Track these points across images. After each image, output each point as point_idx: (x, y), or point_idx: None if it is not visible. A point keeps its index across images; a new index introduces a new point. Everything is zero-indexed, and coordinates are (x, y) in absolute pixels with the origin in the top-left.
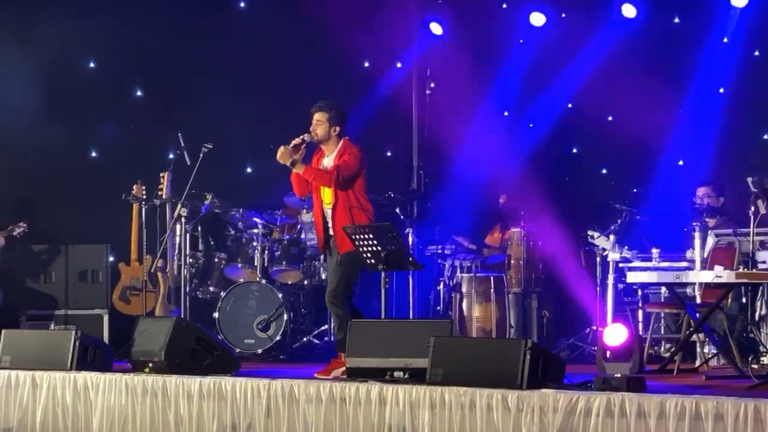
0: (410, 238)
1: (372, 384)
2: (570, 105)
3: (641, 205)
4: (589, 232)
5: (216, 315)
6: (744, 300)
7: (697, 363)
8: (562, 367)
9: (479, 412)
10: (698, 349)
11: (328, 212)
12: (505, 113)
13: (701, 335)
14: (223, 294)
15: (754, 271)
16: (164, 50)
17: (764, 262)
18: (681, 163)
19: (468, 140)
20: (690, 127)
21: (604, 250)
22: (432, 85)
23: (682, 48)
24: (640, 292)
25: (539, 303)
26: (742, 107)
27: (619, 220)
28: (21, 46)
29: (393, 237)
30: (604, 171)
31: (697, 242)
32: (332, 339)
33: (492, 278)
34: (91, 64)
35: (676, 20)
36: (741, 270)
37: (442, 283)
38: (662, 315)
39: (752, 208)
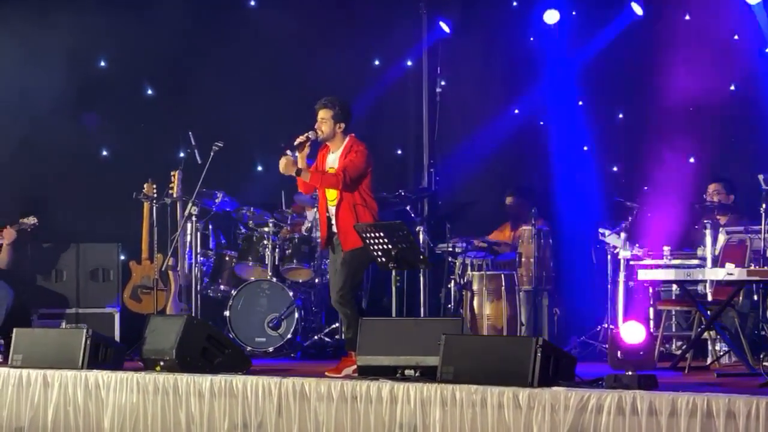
0: (421, 237)
1: (383, 382)
2: (580, 102)
3: (652, 202)
4: (600, 230)
5: (227, 313)
6: (755, 297)
7: (709, 360)
8: (573, 365)
9: (490, 410)
10: (710, 347)
11: (332, 210)
12: (516, 111)
13: (712, 333)
14: (234, 292)
15: (766, 268)
16: (175, 49)
17: None
18: (692, 160)
19: (478, 138)
20: (701, 124)
21: (615, 247)
22: (442, 83)
23: (692, 45)
24: (651, 290)
25: (550, 301)
26: (753, 104)
27: (630, 218)
28: (33, 45)
29: (404, 235)
30: (614, 168)
31: (708, 239)
32: (343, 337)
33: (503, 276)
34: (102, 63)
35: (687, 17)
36: (752, 267)
37: (452, 281)
38: (673, 313)
39: (763, 206)
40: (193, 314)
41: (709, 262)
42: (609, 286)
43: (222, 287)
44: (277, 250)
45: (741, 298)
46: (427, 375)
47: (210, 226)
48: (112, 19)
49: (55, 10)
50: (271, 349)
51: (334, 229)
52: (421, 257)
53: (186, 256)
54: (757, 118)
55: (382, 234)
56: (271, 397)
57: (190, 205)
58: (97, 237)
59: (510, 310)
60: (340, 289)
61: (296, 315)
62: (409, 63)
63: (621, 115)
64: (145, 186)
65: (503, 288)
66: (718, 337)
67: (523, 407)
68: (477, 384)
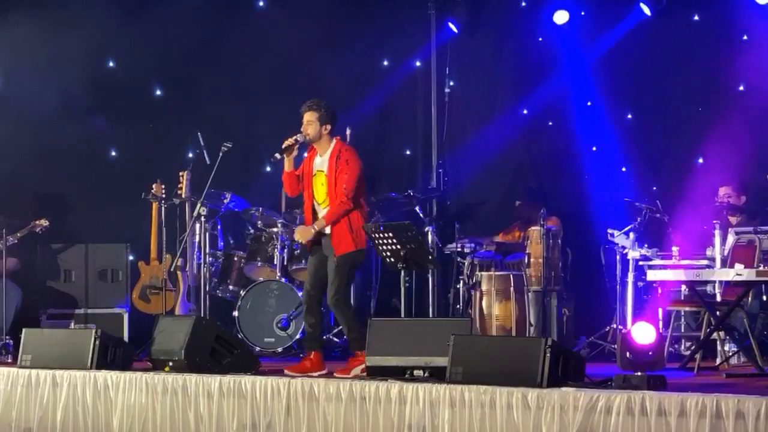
0: (429, 237)
1: (392, 383)
2: (589, 103)
3: (661, 203)
4: (609, 230)
5: (236, 314)
6: (765, 298)
7: (718, 361)
8: (582, 366)
9: (499, 410)
10: (719, 348)
11: (322, 211)
12: (524, 111)
13: (722, 333)
14: (242, 293)
15: None
16: (184, 49)
17: None
18: (701, 161)
19: (487, 139)
20: (710, 125)
21: (624, 248)
22: (451, 83)
23: (701, 45)
24: (660, 290)
25: (559, 301)
26: (763, 105)
27: (639, 218)
28: (42, 46)
29: (412, 236)
30: (623, 169)
31: (718, 240)
32: (346, 338)
33: (512, 276)
34: (111, 64)
35: (696, 17)
36: (761, 268)
37: (461, 282)
38: (682, 313)
39: None
40: (202, 314)
41: (718, 263)
42: (618, 286)
43: (231, 287)
44: (285, 250)
45: (750, 298)
46: (436, 375)
47: (219, 227)
48: (121, 19)
49: (65, 12)
50: (279, 350)
51: (327, 230)
52: (430, 258)
53: (195, 256)
54: (767, 119)
55: (390, 234)
56: (280, 398)
57: (198, 205)
58: (105, 237)
59: (519, 310)
60: (336, 291)
61: None
62: (418, 63)
63: (630, 116)
64: (153, 186)
65: (512, 288)
66: (728, 337)
67: (532, 408)
68: (486, 384)
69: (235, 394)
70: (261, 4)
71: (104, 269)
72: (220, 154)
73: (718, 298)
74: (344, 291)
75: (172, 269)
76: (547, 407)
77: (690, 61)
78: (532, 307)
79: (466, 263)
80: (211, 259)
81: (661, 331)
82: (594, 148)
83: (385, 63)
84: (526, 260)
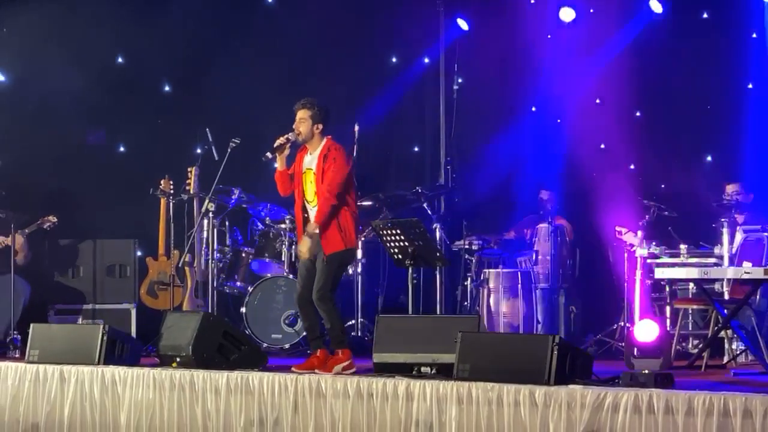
0: (437, 234)
1: (399, 379)
2: (598, 101)
3: (669, 200)
4: (617, 228)
5: (243, 310)
6: None
7: (725, 359)
8: (590, 363)
9: (506, 407)
10: (726, 346)
11: (312, 210)
12: (533, 108)
13: (729, 331)
14: (250, 289)
15: None
16: (192, 45)
17: None
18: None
19: (495, 136)
20: (718, 123)
21: (632, 245)
22: (459, 80)
23: (710, 43)
24: (668, 288)
25: (567, 299)
26: None
27: (647, 216)
28: (52, 42)
29: (420, 233)
30: (632, 167)
31: (726, 238)
32: (359, 334)
33: (519, 274)
34: (120, 60)
35: (705, 15)
36: None
37: (469, 279)
38: (690, 311)
39: None
40: (210, 310)
41: (726, 261)
42: (626, 284)
43: (238, 284)
44: (293, 246)
45: (758, 296)
46: (444, 372)
47: (227, 223)
48: (131, 16)
49: (75, 9)
50: (287, 346)
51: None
52: (438, 255)
53: (203, 252)
54: None
55: (398, 231)
56: (287, 394)
57: (206, 201)
58: (114, 233)
59: (526, 308)
60: (322, 287)
61: None
62: (427, 61)
63: (638, 114)
64: (162, 182)
65: (520, 286)
66: (735, 335)
67: (540, 405)
68: (493, 382)
69: (242, 390)
70: (270, 1)
71: (112, 265)
72: (229, 150)
73: (726, 296)
74: (330, 288)
75: (180, 265)
76: (554, 405)
77: (699, 58)
78: (540, 305)
79: (473, 260)
80: (218, 255)
81: (668, 328)
82: (602, 146)
83: (394, 60)
84: (534, 258)
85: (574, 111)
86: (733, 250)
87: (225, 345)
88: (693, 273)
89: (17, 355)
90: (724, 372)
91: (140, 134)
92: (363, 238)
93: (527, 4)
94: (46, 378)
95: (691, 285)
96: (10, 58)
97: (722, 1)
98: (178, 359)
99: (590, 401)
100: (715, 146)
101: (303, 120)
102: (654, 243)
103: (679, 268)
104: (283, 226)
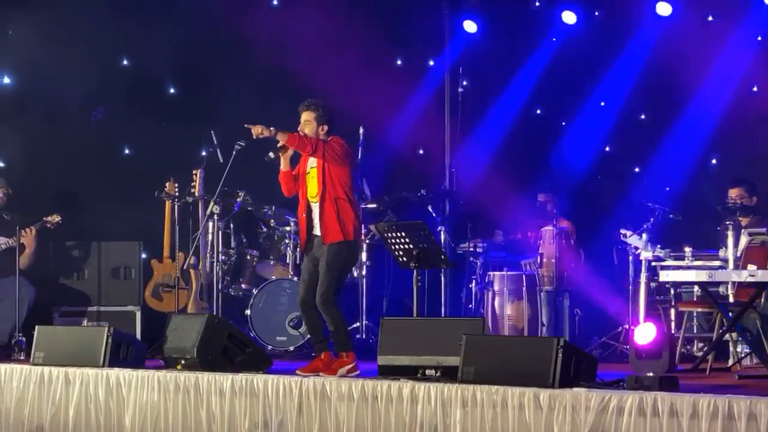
0: (442, 236)
1: (404, 382)
2: (603, 104)
3: (674, 203)
4: (622, 231)
5: (248, 312)
6: None
7: (730, 362)
8: (594, 366)
9: (511, 410)
10: (731, 349)
11: (315, 206)
12: (538, 111)
13: (734, 334)
14: (255, 291)
15: None
16: (197, 47)
17: None
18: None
19: (500, 138)
20: (723, 126)
21: (636, 248)
22: (464, 83)
23: (715, 46)
24: (672, 291)
25: (571, 301)
26: None
27: (651, 219)
28: (57, 44)
29: (425, 235)
30: (636, 169)
31: (731, 241)
32: (363, 336)
33: (524, 276)
34: (125, 62)
35: (710, 18)
36: None
37: (474, 281)
38: (695, 314)
39: None
40: (215, 313)
41: (731, 264)
42: (630, 287)
43: (243, 286)
44: (298, 249)
45: (763, 299)
46: (448, 375)
47: (231, 225)
48: (135, 18)
49: (80, 11)
50: (291, 348)
51: (315, 231)
52: (443, 257)
53: (207, 254)
54: None
55: (403, 233)
56: (292, 396)
57: (211, 203)
58: (118, 235)
59: (531, 310)
60: (324, 291)
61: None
62: (432, 63)
63: (643, 116)
64: (167, 185)
65: (524, 288)
66: (740, 338)
67: (544, 408)
68: (498, 384)
69: (247, 393)
70: (275, 2)
71: (117, 267)
72: (233, 152)
73: (731, 299)
74: (333, 291)
75: (184, 267)
76: (558, 407)
77: (703, 61)
78: (545, 307)
79: (478, 263)
80: (223, 257)
81: (673, 331)
82: (607, 149)
83: (399, 62)
84: (539, 260)
85: (578, 113)
86: (738, 253)
87: (230, 347)
88: (698, 276)
89: (22, 357)
90: (728, 375)
91: (145, 136)
92: (367, 241)
93: (532, 7)
94: (51, 380)
95: (696, 288)
96: (16, 61)
97: (727, 4)
98: (182, 361)
99: (595, 404)
100: (720, 149)
101: (308, 121)
102: (659, 245)
103: (684, 271)
104: (287, 228)
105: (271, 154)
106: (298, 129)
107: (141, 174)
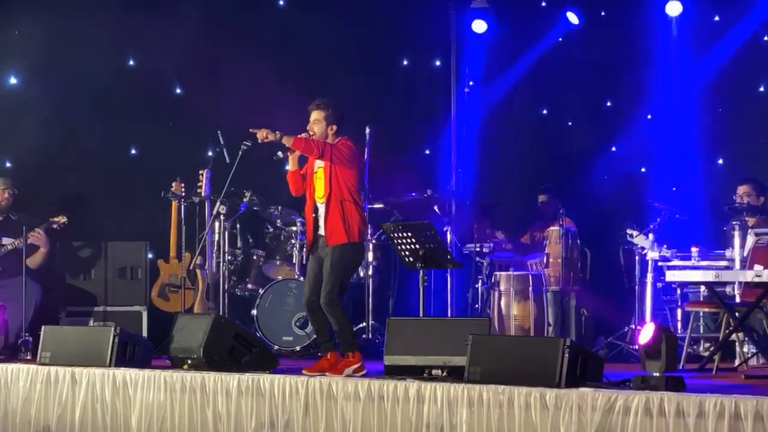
0: (448, 236)
1: (410, 382)
2: (609, 103)
3: (680, 203)
4: (628, 231)
5: (254, 312)
6: None
7: (737, 362)
8: (601, 366)
9: (517, 410)
10: (737, 349)
11: (321, 207)
12: (544, 111)
13: (740, 334)
14: (261, 291)
15: None
16: (204, 48)
17: None
18: (720, 161)
19: (506, 139)
20: (729, 125)
21: (642, 248)
22: (471, 83)
23: (721, 46)
24: (679, 291)
25: (578, 301)
26: None
27: (658, 219)
28: (63, 44)
29: (431, 235)
30: (643, 169)
31: (737, 241)
32: (370, 336)
33: (530, 276)
34: (131, 62)
35: (716, 18)
36: None
37: (480, 281)
38: (701, 314)
39: None
40: (221, 313)
41: (737, 264)
42: (637, 287)
43: (249, 286)
44: (304, 249)
45: None
46: (454, 375)
47: (238, 225)
48: (142, 18)
49: (86, 10)
50: (298, 348)
51: (320, 231)
52: (449, 257)
53: (214, 254)
54: None
55: (409, 234)
56: (298, 396)
57: (218, 204)
58: (125, 235)
59: (537, 310)
60: (329, 291)
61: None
62: (438, 63)
63: (649, 116)
64: (173, 184)
65: (530, 288)
66: (746, 338)
67: (550, 408)
68: (504, 384)
69: (253, 393)
70: (281, 2)
71: (123, 267)
72: (240, 152)
73: (737, 299)
74: (338, 291)
75: (191, 267)
76: (565, 407)
77: (710, 61)
78: (551, 308)
79: (484, 263)
80: (230, 257)
81: (679, 331)
82: (614, 149)
83: (405, 62)
84: (545, 260)
85: (585, 113)
86: (745, 253)
87: (236, 347)
88: (704, 276)
89: (29, 357)
90: (735, 375)
91: (151, 136)
92: (374, 241)
93: (538, 6)
94: (57, 380)
95: (702, 288)
96: (22, 61)
97: (733, 4)
98: (189, 361)
99: (601, 404)
100: (726, 149)
101: (317, 121)
102: (665, 246)
103: (691, 271)
104: (294, 228)
105: (280, 154)
106: (307, 128)
107: (147, 174)
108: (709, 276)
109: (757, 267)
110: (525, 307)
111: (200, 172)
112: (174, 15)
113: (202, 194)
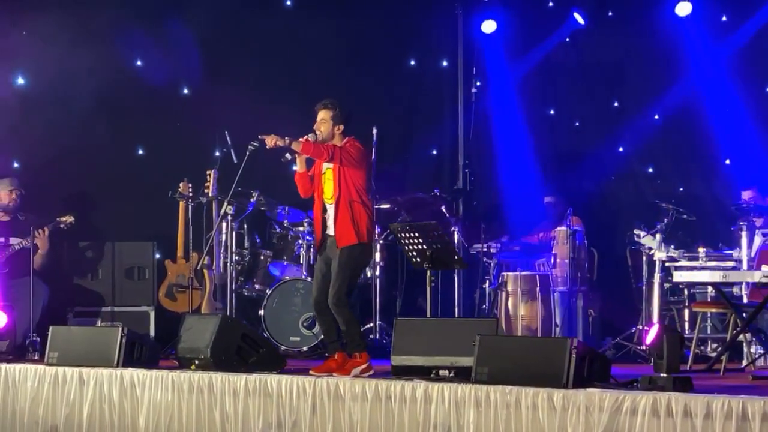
0: (456, 237)
1: (417, 382)
2: (616, 104)
3: (687, 204)
4: (636, 231)
5: (261, 312)
6: None
7: (744, 363)
8: (608, 366)
9: (524, 411)
10: (745, 349)
11: (330, 208)
12: (551, 111)
13: (748, 335)
14: (268, 291)
15: None
16: (211, 48)
17: None
18: (728, 162)
19: (513, 139)
20: (737, 126)
21: (650, 249)
22: (478, 83)
23: (728, 47)
24: (686, 292)
25: (585, 302)
26: None
27: (665, 219)
28: (71, 45)
29: (438, 235)
30: (650, 170)
31: (744, 241)
32: (377, 336)
33: (538, 277)
34: (138, 62)
35: (723, 18)
36: None
37: (487, 282)
38: (709, 315)
39: None
40: (228, 313)
41: (744, 264)
42: (644, 287)
43: (257, 286)
44: (311, 249)
45: None
46: (462, 375)
47: (245, 226)
48: (149, 19)
49: (93, 11)
50: (305, 349)
51: (329, 231)
52: (456, 257)
53: (221, 255)
54: None
55: (417, 234)
56: (306, 396)
57: (225, 204)
58: (132, 235)
59: (545, 311)
60: (337, 291)
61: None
62: (445, 63)
63: (656, 117)
64: (180, 185)
65: (538, 289)
66: (754, 339)
67: (558, 408)
68: (511, 385)
69: (260, 393)
70: (288, 3)
71: (131, 267)
72: (247, 153)
73: (745, 300)
74: (345, 291)
75: (198, 268)
76: (572, 408)
77: (716, 62)
78: (558, 308)
79: (492, 263)
80: (237, 257)
81: (686, 332)
82: (621, 149)
83: (412, 63)
84: (552, 261)
85: (592, 114)
86: (752, 254)
87: (243, 347)
88: (712, 276)
89: (36, 358)
90: (742, 375)
91: (159, 137)
92: (381, 241)
93: (545, 7)
94: (65, 380)
95: (710, 288)
96: (29, 62)
97: (740, 5)
98: (196, 362)
99: (608, 404)
100: (733, 149)
101: (324, 121)
102: (672, 246)
103: (698, 272)
104: (301, 228)
105: (288, 155)
106: (314, 127)
107: (155, 174)
108: (716, 276)
109: (765, 267)
110: (532, 308)
111: (207, 172)
112: (180, 15)
113: (210, 194)
